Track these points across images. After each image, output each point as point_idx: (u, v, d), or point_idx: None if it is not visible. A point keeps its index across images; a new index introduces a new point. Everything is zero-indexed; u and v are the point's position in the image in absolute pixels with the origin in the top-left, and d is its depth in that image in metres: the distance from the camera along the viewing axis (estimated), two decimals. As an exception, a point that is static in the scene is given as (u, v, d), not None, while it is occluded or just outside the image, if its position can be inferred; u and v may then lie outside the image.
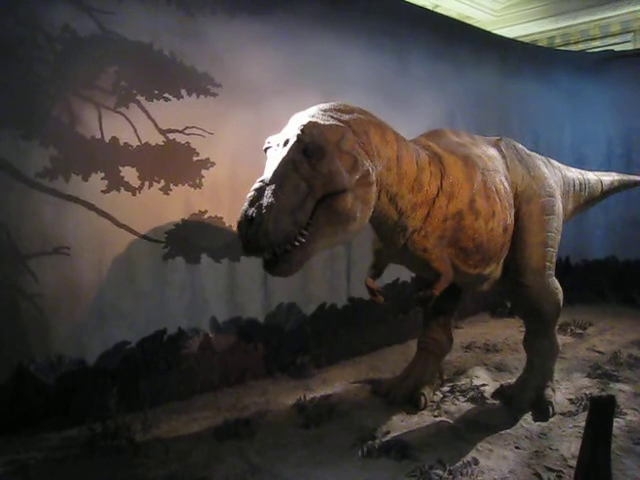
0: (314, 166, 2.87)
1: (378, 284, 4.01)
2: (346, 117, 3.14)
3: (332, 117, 3.09)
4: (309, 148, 2.85)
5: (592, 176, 5.19)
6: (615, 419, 3.15)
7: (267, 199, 2.73)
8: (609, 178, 5.40)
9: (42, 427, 3.89)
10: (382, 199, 3.35)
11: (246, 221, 2.72)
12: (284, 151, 2.89)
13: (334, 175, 2.90)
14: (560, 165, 4.87)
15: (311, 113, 3.11)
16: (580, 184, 4.95)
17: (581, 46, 11.61)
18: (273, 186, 2.77)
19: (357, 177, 3.00)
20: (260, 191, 2.79)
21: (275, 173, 2.83)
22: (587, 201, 5.16)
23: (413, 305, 5.93)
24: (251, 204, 2.76)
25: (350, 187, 2.96)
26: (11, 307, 3.87)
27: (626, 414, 4.02)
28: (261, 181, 2.85)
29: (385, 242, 3.76)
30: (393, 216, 3.48)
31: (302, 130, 2.87)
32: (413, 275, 5.19)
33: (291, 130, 2.97)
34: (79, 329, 4.09)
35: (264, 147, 3.13)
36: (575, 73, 8.00)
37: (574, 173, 4.98)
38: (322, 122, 2.99)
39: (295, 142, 2.87)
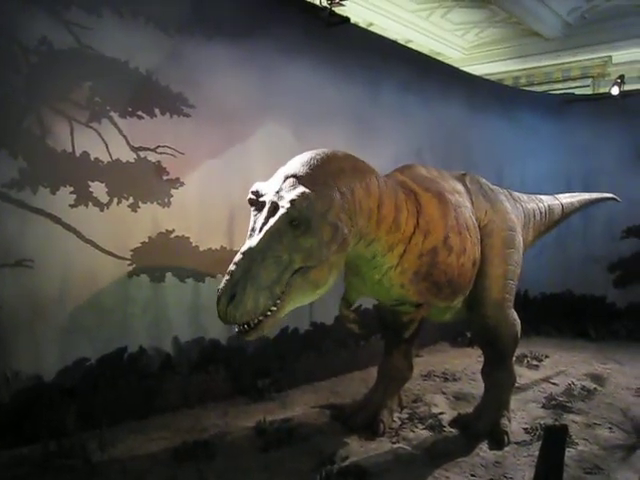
0: (297, 238, 2.90)
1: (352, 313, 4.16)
2: (333, 175, 3.11)
3: (322, 177, 3.05)
4: (296, 220, 2.88)
5: (552, 201, 5.45)
6: (567, 449, 3.23)
7: (248, 276, 2.78)
8: (570, 200, 5.69)
9: (-7, 444, 3.79)
10: (360, 245, 3.38)
11: (227, 297, 2.76)
12: (271, 221, 2.90)
13: (314, 250, 2.95)
14: (521, 196, 5.06)
15: (300, 172, 3.05)
16: (540, 213, 5.18)
17: (544, 87, 12.19)
18: (256, 260, 2.82)
19: (335, 248, 3.03)
20: (241, 265, 2.82)
21: (259, 245, 2.85)
22: (548, 227, 5.42)
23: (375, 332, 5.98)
24: (231, 279, 2.79)
25: (327, 259, 3.02)
26: (-32, 319, 3.79)
27: (578, 444, 4.12)
28: (243, 253, 2.86)
29: (359, 277, 3.81)
30: (368, 256, 3.52)
31: (293, 203, 2.86)
32: (375, 302, 5.25)
33: (280, 191, 2.96)
34: (38, 344, 4.01)
35: (248, 197, 3.10)
36: (538, 112, 8.36)
37: (534, 203, 5.18)
38: (312, 191, 2.93)
39: (284, 214, 2.87)
